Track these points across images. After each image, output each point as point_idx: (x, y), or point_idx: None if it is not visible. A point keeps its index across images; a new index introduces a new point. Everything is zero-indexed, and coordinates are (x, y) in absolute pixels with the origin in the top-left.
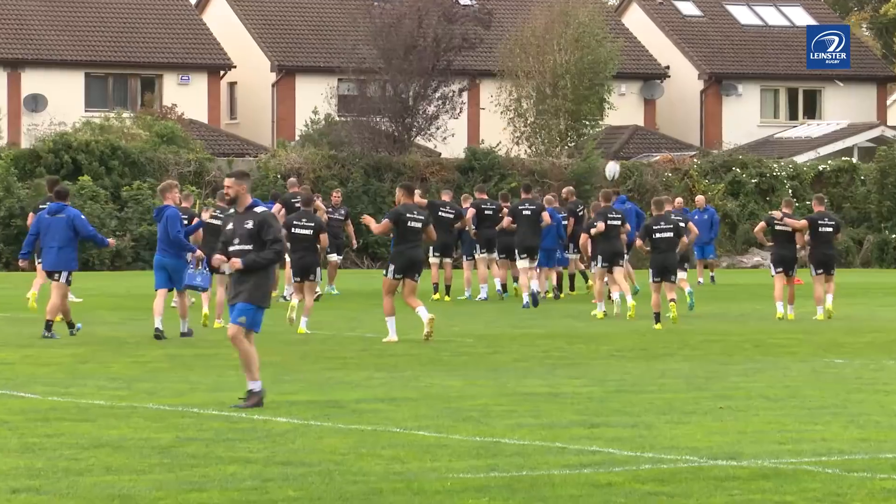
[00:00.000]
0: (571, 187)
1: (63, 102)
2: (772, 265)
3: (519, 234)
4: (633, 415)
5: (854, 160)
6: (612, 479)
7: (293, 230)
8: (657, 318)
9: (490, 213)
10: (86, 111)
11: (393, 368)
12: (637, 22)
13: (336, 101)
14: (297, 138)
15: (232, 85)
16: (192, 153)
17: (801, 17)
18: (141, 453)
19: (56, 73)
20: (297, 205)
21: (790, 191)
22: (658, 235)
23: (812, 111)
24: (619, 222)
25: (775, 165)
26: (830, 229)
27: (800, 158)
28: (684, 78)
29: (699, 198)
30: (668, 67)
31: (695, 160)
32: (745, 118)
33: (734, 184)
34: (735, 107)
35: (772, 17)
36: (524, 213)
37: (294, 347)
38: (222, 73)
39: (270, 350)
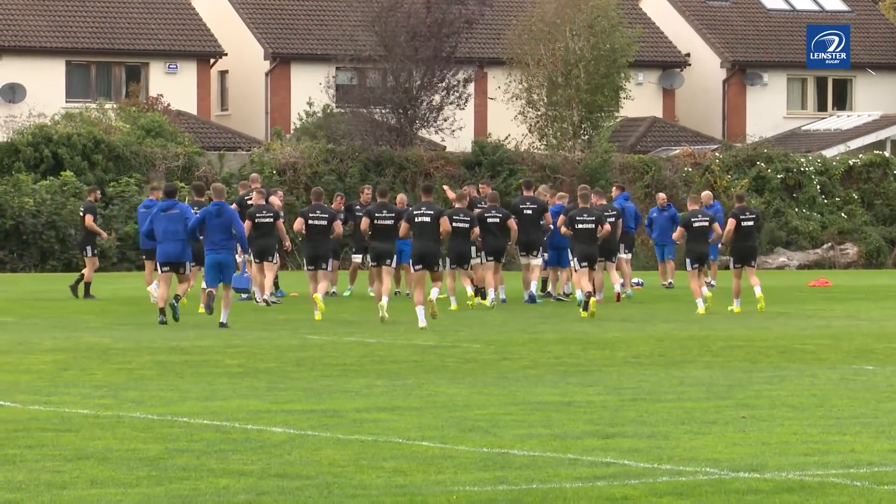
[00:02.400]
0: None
1: (43, 92)
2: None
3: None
4: (649, 425)
5: (887, 154)
6: (628, 492)
7: (375, 221)
8: (585, 305)
9: (530, 213)
10: (67, 102)
11: (395, 376)
12: (655, 6)
13: (334, 91)
14: (292, 131)
15: (223, 74)
16: (180, 147)
17: (832, 2)
18: (128, 466)
19: (35, 61)
20: (251, 202)
21: (818, 186)
22: (580, 226)
23: (842, 102)
24: (497, 220)
25: (803, 160)
26: (752, 223)
27: (829, 152)
28: (706, 66)
29: (661, 196)
30: (688, 55)
31: (717, 154)
32: (771, 109)
33: (759, 179)
34: (760, 97)
35: (800, 1)
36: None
37: (290, 353)
38: (212, 61)
39: (265, 356)
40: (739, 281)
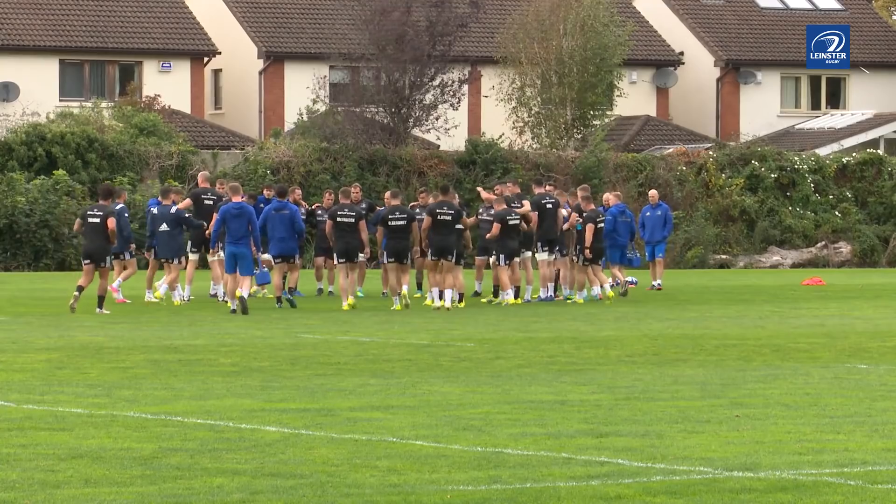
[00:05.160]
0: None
1: (36, 91)
2: (503, 256)
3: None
4: (643, 423)
5: (880, 152)
6: (622, 491)
7: (390, 223)
8: (396, 294)
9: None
10: (60, 100)
11: (389, 374)
12: (649, 4)
13: (325, 92)
14: (285, 130)
15: (216, 72)
16: (174, 145)
17: (826, 0)
18: (121, 464)
19: (28, 60)
20: (207, 201)
21: (812, 185)
22: (392, 223)
23: (836, 100)
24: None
25: (796, 158)
26: (602, 225)
27: (822, 151)
28: (699, 65)
29: (652, 192)
30: (682, 54)
31: (710, 153)
32: (765, 108)
33: (752, 178)
34: (753, 96)
35: None
36: (440, 217)
37: (284, 352)
38: (206, 59)
39: (259, 355)
40: (584, 276)
